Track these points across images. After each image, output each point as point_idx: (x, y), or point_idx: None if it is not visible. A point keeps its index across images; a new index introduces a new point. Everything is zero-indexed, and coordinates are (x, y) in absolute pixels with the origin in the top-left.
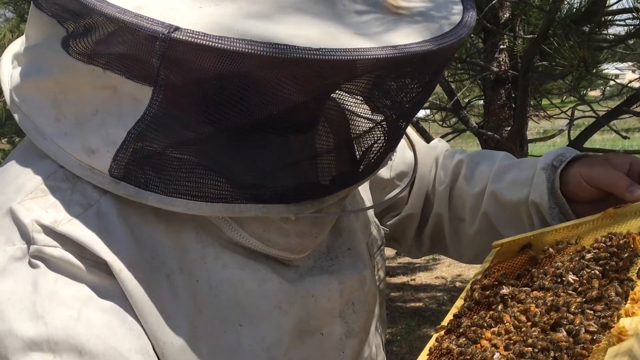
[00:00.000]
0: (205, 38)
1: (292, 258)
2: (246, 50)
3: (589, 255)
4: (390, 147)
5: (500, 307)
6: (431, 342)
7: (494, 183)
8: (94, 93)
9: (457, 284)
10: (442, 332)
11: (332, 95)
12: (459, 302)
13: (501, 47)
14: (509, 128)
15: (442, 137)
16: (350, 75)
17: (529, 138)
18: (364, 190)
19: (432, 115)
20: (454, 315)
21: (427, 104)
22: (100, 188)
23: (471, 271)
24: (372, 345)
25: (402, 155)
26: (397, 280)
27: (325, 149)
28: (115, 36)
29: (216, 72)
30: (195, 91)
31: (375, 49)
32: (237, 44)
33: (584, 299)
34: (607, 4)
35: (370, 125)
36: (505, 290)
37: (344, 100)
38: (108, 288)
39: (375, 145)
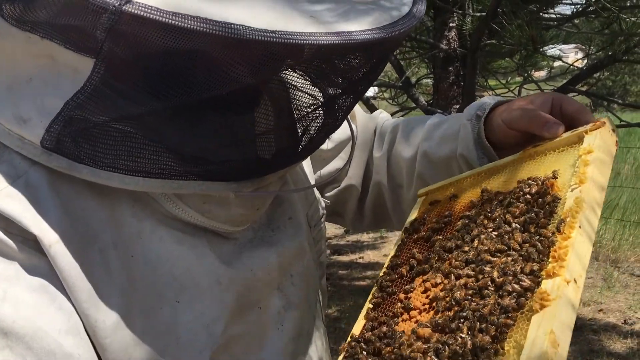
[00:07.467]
0: (158, 13)
1: (232, 230)
2: (201, 29)
3: (509, 208)
4: (332, 126)
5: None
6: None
7: (425, 142)
8: (29, 61)
9: None
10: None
11: (277, 75)
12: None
13: (450, 25)
14: (457, 106)
15: (392, 115)
16: (301, 58)
17: None
18: (305, 162)
19: (381, 94)
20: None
21: (376, 82)
22: (30, 158)
23: None
24: (314, 318)
25: (342, 126)
26: (345, 258)
27: (267, 128)
28: (58, 5)
29: (166, 48)
30: (141, 66)
31: (330, 34)
32: (193, 22)
33: (506, 260)
34: None
35: (313, 104)
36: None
37: (288, 79)
38: (36, 265)
39: (316, 124)
